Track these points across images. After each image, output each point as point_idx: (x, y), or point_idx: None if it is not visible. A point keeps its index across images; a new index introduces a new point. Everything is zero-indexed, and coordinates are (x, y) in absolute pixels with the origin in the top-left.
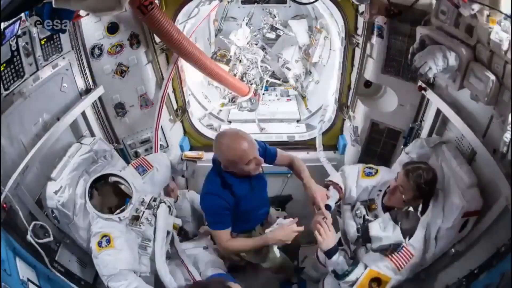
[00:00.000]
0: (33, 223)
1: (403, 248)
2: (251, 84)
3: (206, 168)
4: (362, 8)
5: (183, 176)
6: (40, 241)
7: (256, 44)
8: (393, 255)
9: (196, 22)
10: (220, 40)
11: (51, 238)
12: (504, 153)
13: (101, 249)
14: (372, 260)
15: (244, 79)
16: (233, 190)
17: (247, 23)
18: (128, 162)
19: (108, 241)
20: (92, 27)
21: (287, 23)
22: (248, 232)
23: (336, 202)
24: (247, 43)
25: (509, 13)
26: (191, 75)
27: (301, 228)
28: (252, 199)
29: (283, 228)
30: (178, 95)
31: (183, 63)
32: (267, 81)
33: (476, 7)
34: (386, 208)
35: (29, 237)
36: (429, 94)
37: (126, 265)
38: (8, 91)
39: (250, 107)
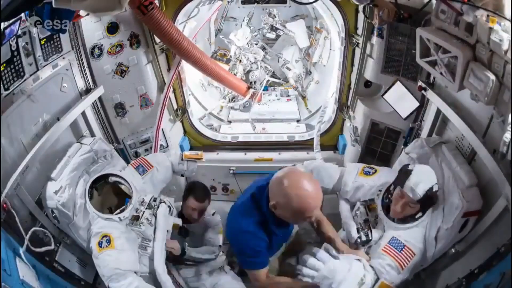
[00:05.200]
0: (31, 229)
1: (405, 247)
2: (255, 83)
3: (206, 168)
4: (362, 8)
5: (182, 175)
6: (38, 250)
7: (256, 44)
8: (396, 253)
9: (198, 23)
10: (220, 40)
11: (52, 247)
12: (504, 153)
13: (102, 249)
14: (374, 258)
15: (249, 79)
16: (271, 233)
17: (247, 23)
18: (128, 162)
19: (109, 241)
20: (92, 27)
21: (286, 26)
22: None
23: None
24: (247, 43)
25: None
26: (191, 75)
27: None
28: (284, 234)
29: None
30: (178, 95)
31: (183, 63)
32: (267, 81)
33: (479, 13)
34: (386, 209)
35: (24, 249)
36: (429, 94)
37: (127, 265)
38: (8, 91)
39: (242, 108)
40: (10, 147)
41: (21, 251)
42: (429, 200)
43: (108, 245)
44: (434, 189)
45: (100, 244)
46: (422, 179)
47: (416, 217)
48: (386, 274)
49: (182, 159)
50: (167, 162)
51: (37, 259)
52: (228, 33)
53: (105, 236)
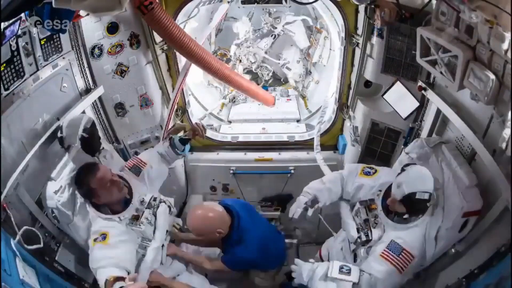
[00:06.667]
0: (23, 228)
1: (403, 251)
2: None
3: (206, 168)
4: (363, 8)
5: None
6: (30, 247)
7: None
8: (394, 258)
9: (205, 25)
10: (220, 40)
11: (41, 245)
12: (503, 150)
13: (95, 243)
14: (371, 265)
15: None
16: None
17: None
18: None
19: (104, 237)
20: (92, 27)
21: (285, 28)
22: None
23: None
24: (246, 40)
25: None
26: (191, 75)
27: None
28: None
29: None
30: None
31: (182, 63)
32: (267, 80)
33: (475, 15)
34: (386, 209)
35: (16, 242)
36: (429, 94)
37: (114, 262)
38: (8, 91)
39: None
40: (10, 147)
41: (12, 243)
42: (412, 205)
43: (103, 240)
44: (419, 196)
45: (95, 240)
46: (407, 181)
47: (404, 217)
48: (384, 280)
49: (170, 144)
50: (155, 154)
51: (37, 259)
52: (228, 33)
53: (103, 234)
